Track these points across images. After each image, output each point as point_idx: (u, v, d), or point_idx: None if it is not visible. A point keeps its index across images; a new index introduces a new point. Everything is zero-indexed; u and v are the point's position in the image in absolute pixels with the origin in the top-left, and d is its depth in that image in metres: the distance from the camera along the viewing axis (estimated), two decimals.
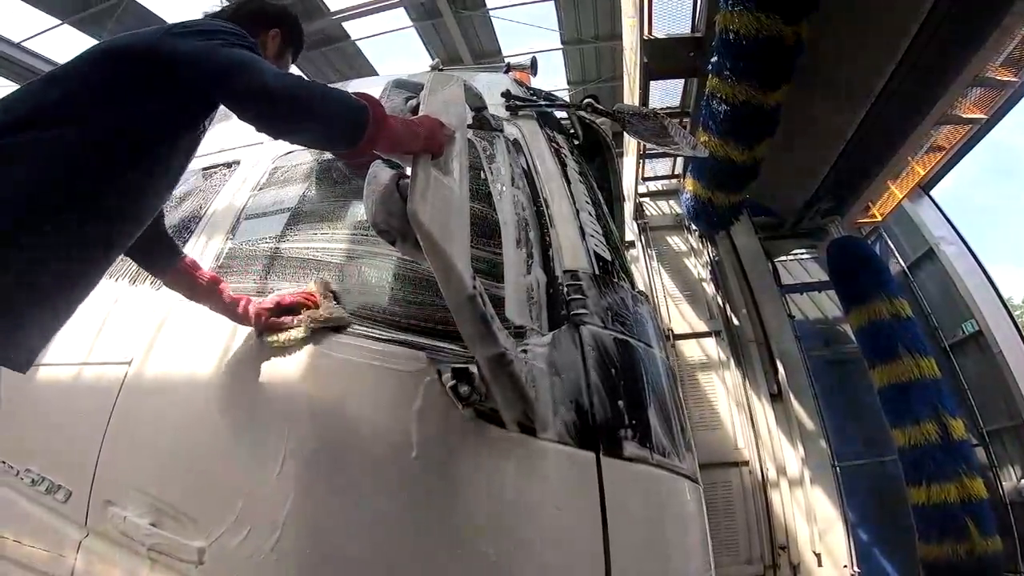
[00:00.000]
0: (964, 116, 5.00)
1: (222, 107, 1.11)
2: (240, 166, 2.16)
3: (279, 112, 0.99)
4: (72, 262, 1.02)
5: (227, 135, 2.19)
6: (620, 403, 1.08)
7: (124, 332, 1.78)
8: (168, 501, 1.37)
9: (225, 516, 1.25)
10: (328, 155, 1.93)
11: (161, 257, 1.42)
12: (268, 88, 0.97)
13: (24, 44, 8.11)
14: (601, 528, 1.00)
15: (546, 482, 1.04)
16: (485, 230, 1.29)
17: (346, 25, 8.88)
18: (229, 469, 1.33)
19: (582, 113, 2.05)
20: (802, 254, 7.24)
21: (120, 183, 1.04)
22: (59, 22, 7.81)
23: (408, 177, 1.03)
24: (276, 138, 1.18)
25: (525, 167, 1.54)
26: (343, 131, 1.02)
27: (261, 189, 2.03)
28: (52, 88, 1.01)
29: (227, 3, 1.38)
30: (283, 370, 1.35)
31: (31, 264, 0.94)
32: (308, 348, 1.33)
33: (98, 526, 1.46)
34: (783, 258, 7.01)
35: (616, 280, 1.30)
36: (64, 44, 8.20)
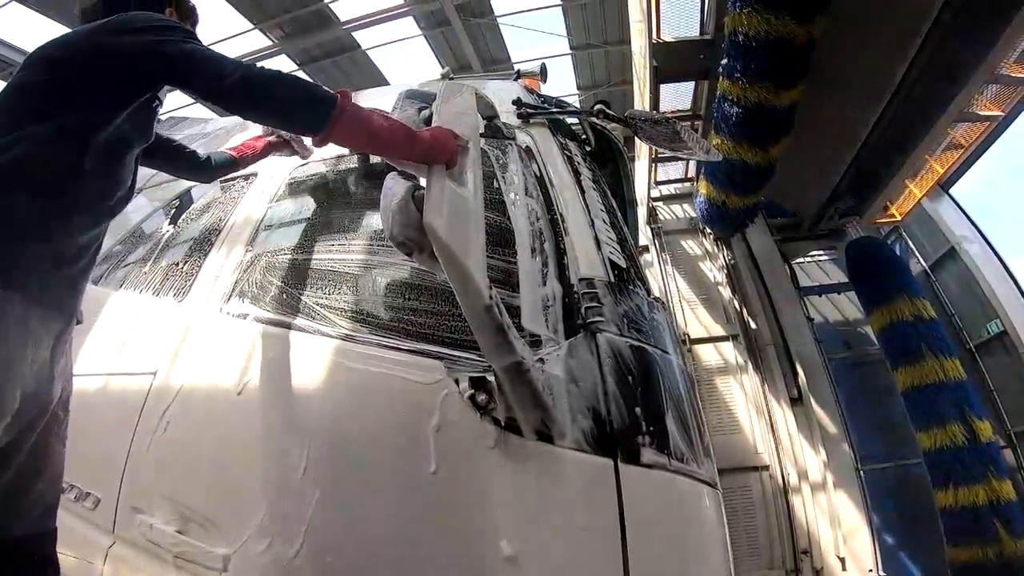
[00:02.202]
0: (981, 113, 4.91)
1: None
2: (258, 178, 2.20)
3: (250, 94, 1.10)
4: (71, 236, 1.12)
5: None
6: (637, 410, 1.08)
7: (148, 343, 1.83)
8: (193, 508, 1.39)
9: (248, 524, 1.27)
10: (342, 166, 1.97)
11: (201, 170, 1.72)
12: (239, 74, 1.08)
13: None
14: (619, 534, 1.00)
15: (564, 489, 1.05)
16: (500, 239, 1.30)
17: (356, 35, 9.01)
18: (252, 477, 1.35)
19: (594, 120, 2.05)
20: (820, 255, 7.14)
21: (89, 168, 1.12)
22: None
23: (423, 189, 1.05)
24: (244, 116, 1.29)
25: (538, 175, 1.55)
26: (307, 114, 1.11)
27: (278, 201, 2.07)
28: (11, 99, 1.10)
29: None
30: (304, 379, 1.38)
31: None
32: (329, 358, 1.35)
33: (125, 533, 1.49)
34: (801, 260, 6.93)
35: (632, 287, 1.30)
36: None
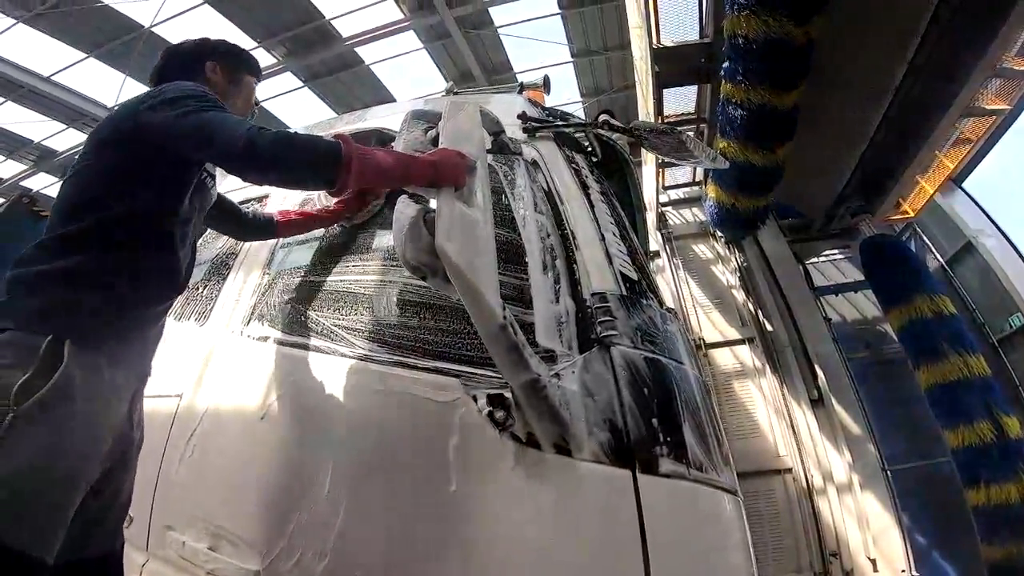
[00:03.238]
0: (987, 107, 4.88)
1: None
2: (271, 199, 2.25)
3: (256, 162, 1.11)
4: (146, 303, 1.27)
5: None
6: (654, 421, 1.09)
7: (174, 367, 1.88)
8: (224, 526, 1.43)
9: (277, 541, 1.30)
10: None
11: (263, 231, 1.79)
12: (242, 143, 1.09)
13: (53, 78, 8.68)
14: (640, 544, 1.01)
15: (584, 501, 1.06)
16: (511, 255, 1.32)
17: (359, 50, 9.17)
18: (279, 496, 1.38)
19: (599, 131, 2.07)
20: (834, 254, 7.06)
21: (151, 242, 1.25)
22: (85, 55, 8.34)
23: (434, 211, 1.07)
24: (259, 184, 1.32)
25: (547, 190, 1.57)
26: (317, 171, 1.12)
27: None
28: (75, 187, 1.22)
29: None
30: (325, 400, 1.41)
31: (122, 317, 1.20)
32: (349, 378, 1.38)
33: (159, 551, 1.54)
34: (814, 260, 6.86)
35: (644, 299, 1.31)
36: (90, 76, 8.82)
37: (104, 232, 1.16)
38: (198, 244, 1.68)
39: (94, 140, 1.25)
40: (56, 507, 1.01)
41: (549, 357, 1.13)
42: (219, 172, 1.45)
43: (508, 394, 1.08)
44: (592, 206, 1.51)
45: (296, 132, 1.17)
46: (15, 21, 7.61)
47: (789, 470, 4.88)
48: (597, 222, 1.45)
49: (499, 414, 1.06)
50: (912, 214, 6.35)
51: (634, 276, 1.36)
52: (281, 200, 2.13)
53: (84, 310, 1.11)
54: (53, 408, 1.01)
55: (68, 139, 9.88)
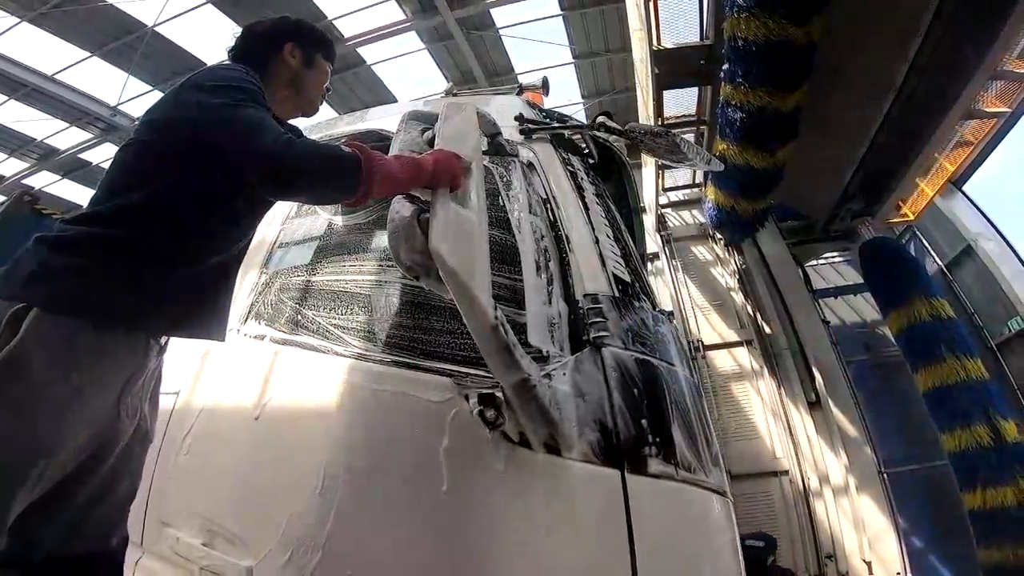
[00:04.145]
0: (988, 110, 4.90)
1: None
2: None
3: (288, 177, 1.06)
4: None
5: None
6: (643, 421, 1.10)
7: (170, 364, 1.89)
8: (218, 522, 1.44)
9: (271, 537, 1.31)
10: None
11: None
12: (281, 155, 1.03)
13: (56, 77, 8.69)
14: (628, 543, 1.02)
15: (572, 500, 1.07)
16: (504, 256, 1.33)
17: (361, 51, 9.18)
18: (273, 493, 1.39)
19: (596, 133, 2.08)
20: (834, 257, 7.08)
21: (160, 227, 1.13)
22: (88, 54, 8.36)
23: (429, 212, 1.08)
24: (275, 199, 1.26)
25: (542, 192, 1.58)
26: (337, 186, 1.08)
27: (290, 221, 2.13)
28: (113, 167, 1.17)
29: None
30: (319, 399, 1.42)
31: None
32: (344, 378, 1.40)
33: (153, 546, 1.55)
34: (814, 262, 6.87)
35: (636, 301, 1.32)
36: (93, 75, 8.81)
37: (120, 212, 1.08)
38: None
39: (144, 120, 1.20)
40: None
41: (541, 358, 1.14)
42: None
43: (499, 394, 1.09)
44: (587, 208, 1.52)
45: (315, 141, 1.10)
46: (19, 20, 7.64)
47: (786, 472, 4.91)
48: (591, 224, 1.46)
49: (490, 413, 1.08)
50: (912, 217, 6.37)
51: (627, 278, 1.37)
52: None
53: (65, 277, 1.00)
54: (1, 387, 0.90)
55: (71, 138, 9.91)
